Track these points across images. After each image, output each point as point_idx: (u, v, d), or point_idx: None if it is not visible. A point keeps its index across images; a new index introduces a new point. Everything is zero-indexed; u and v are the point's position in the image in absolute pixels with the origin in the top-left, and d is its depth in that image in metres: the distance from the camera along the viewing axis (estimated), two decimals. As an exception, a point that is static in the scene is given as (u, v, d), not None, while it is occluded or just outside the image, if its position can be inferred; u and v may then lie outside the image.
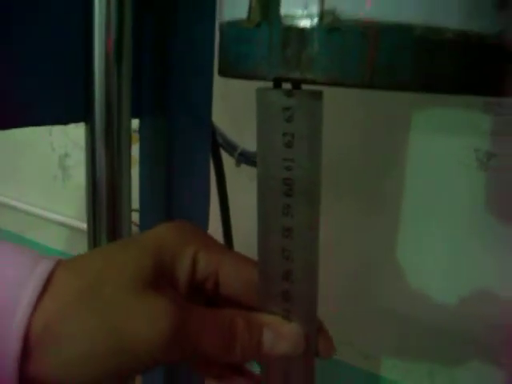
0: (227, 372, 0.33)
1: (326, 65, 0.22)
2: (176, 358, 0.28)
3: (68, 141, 1.20)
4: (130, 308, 0.26)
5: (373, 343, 0.85)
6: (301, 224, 0.27)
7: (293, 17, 0.22)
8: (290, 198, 0.27)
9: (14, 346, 0.24)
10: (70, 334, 0.25)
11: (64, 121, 0.43)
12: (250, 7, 0.24)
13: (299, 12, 0.22)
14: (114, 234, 0.44)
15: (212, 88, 0.52)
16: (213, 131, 0.57)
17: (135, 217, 0.53)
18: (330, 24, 0.21)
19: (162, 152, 0.52)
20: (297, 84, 0.25)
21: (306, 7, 0.22)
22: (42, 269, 0.26)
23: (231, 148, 0.66)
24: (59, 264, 0.27)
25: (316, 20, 0.22)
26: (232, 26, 0.25)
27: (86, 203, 0.44)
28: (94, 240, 0.44)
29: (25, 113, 0.41)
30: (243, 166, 0.70)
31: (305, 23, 0.22)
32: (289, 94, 0.25)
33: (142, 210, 0.58)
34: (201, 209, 0.55)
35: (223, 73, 0.28)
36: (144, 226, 0.58)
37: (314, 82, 0.23)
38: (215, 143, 0.58)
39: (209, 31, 0.47)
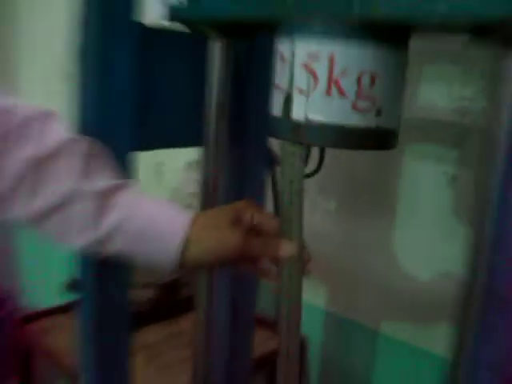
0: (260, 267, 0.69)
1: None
2: (241, 258, 0.64)
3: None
4: (226, 231, 0.63)
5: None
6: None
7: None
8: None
9: (179, 241, 0.61)
10: (203, 239, 0.63)
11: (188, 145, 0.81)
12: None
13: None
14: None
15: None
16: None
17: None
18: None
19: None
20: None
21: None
22: (189, 212, 0.64)
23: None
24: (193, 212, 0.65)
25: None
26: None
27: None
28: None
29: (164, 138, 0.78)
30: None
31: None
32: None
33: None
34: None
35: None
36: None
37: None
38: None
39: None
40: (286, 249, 0.64)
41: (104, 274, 0.73)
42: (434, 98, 1.02)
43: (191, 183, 1.49)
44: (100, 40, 0.67)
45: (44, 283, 1.94)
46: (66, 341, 1.19)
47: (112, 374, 0.80)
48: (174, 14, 0.68)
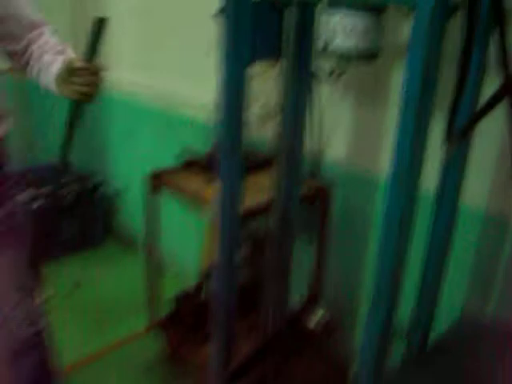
0: None
1: None
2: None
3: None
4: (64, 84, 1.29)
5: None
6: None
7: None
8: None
9: (54, 86, 1.23)
10: (60, 87, 1.32)
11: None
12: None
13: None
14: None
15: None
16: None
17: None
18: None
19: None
20: None
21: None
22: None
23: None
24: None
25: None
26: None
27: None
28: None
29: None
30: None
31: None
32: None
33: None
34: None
35: None
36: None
37: None
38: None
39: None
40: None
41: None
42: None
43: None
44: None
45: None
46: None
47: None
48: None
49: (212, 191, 1.45)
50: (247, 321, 1.89)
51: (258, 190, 1.70)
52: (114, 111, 2.98)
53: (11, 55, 1.36)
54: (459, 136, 1.10)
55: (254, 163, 1.90)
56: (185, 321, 1.94)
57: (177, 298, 2.01)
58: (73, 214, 2.92)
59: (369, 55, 1.35)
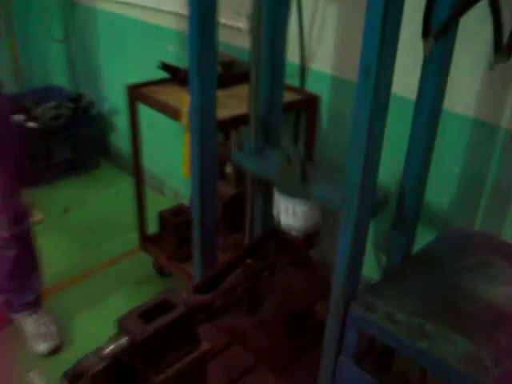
0: None
1: None
2: None
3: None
4: None
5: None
6: None
7: None
8: None
9: None
10: None
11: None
12: None
13: None
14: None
15: None
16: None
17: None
18: None
19: None
20: None
21: None
22: None
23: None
24: None
25: None
26: None
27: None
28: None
29: None
30: None
31: None
32: None
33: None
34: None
35: None
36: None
37: None
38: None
39: None
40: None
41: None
42: None
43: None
44: None
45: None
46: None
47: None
48: None
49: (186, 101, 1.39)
50: (233, 238, 1.88)
51: (242, 102, 1.64)
52: (101, 30, 2.86)
53: None
54: (437, 33, 1.01)
55: (239, 74, 1.81)
56: (169, 238, 1.93)
57: (160, 216, 1.99)
58: (66, 137, 2.87)
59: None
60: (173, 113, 1.62)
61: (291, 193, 1.21)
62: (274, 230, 1.35)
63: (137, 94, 1.78)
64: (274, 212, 1.30)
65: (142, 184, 2.03)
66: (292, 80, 1.76)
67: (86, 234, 2.43)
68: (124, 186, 2.73)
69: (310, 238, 1.32)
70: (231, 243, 1.91)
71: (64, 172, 2.90)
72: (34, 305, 1.79)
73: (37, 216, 2.49)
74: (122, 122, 2.88)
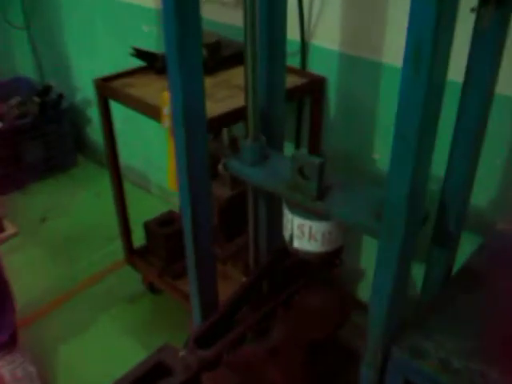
0: None
1: None
2: None
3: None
4: None
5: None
6: None
7: None
8: None
9: None
10: None
11: None
12: None
13: None
14: None
15: None
16: None
17: None
18: None
19: None
20: None
21: None
22: None
23: None
24: None
25: None
26: None
27: None
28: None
29: None
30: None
31: None
32: None
33: None
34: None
35: None
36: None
37: None
38: None
39: None
40: None
41: None
42: None
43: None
44: None
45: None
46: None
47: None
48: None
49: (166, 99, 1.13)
50: (233, 245, 1.64)
51: (231, 91, 1.37)
52: (66, 13, 2.54)
53: None
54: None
55: (227, 57, 1.53)
56: (158, 252, 1.68)
57: (146, 227, 1.73)
58: (36, 135, 2.58)
59: None
60: (151, 112, 1.34)
61: (306, 213, 0.95)
62: (284, 250, 1.10)
63: (107, 89, 1.49)
64: (285, 234, 1.04)
65: (122, 189, 1.75)
66: (292, 61, 1.48)
67: (66, 246, 2.16)
68: (105, 185, 2.44)
69: (332, 257, 1.08)
70: (231, 251, 1.67)
71: (38, 174, 2.61)
72: (8, 345, 1.53)
73: (10, 229, 2.24)
74: (96, 113, 2.59)
